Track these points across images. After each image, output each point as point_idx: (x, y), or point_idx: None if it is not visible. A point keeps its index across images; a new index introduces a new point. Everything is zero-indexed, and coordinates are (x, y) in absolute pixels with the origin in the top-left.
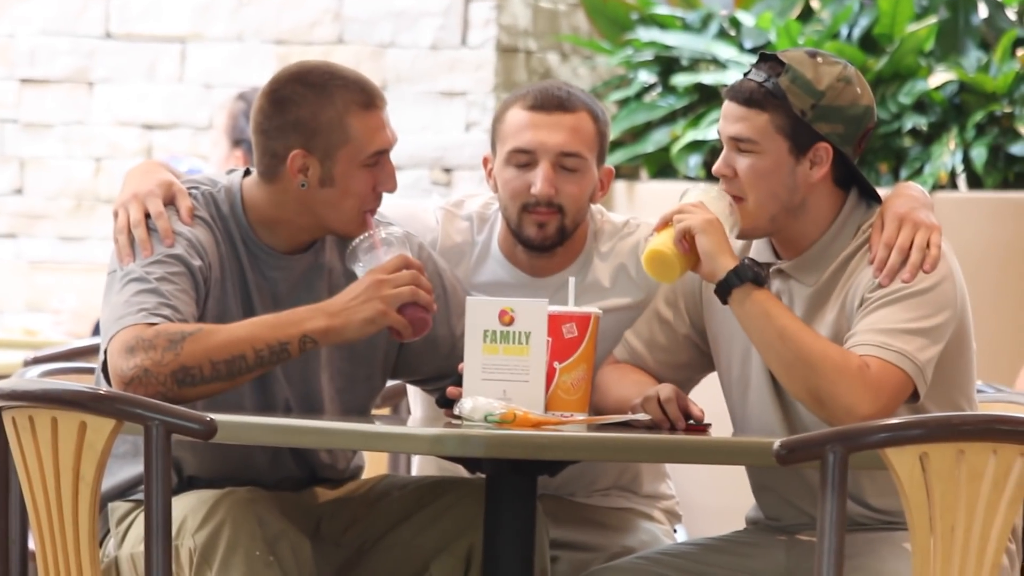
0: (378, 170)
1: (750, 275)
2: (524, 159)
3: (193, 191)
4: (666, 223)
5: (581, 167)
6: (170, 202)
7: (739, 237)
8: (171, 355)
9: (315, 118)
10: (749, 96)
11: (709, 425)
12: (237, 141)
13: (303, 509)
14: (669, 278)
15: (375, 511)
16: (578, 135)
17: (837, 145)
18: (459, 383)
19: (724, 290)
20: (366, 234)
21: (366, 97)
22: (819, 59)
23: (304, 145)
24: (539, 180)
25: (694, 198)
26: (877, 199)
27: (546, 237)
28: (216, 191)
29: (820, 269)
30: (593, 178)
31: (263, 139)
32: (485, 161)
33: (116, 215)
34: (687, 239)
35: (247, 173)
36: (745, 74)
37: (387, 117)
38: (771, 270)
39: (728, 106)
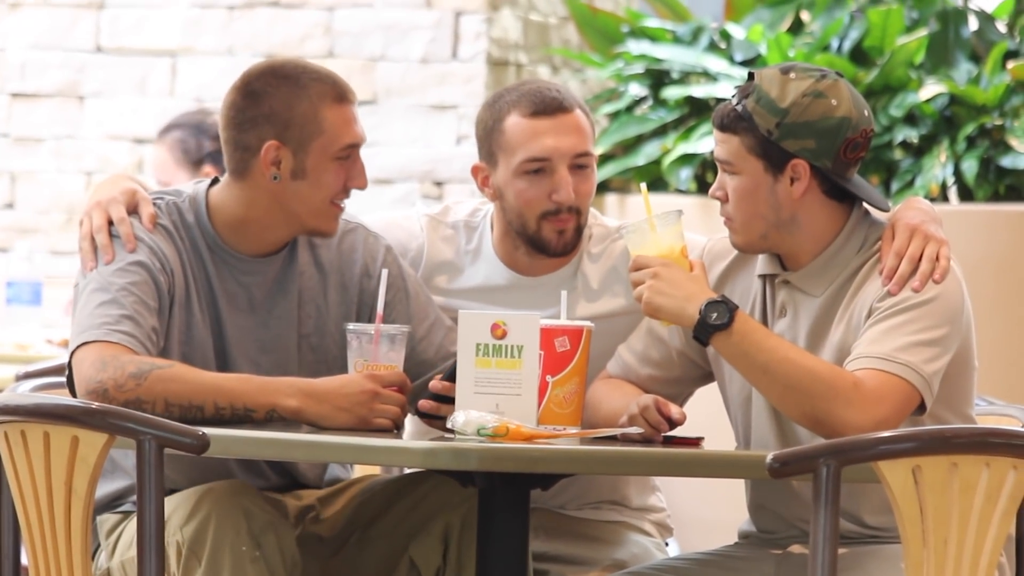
0: (349, 164)
1: (713, 324)
2: (538, 166)
3: (158, 201)
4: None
5: (591, 164)
6: (133, 210)
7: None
8: (132, 383)
9: (289, 109)
10: (721, 122)
11: (701, 439)
12: (198, 161)
13: (288, 507)
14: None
15: (359, 506)
16: (583, 133)
17: (810, 160)
18: (433, 398)
19: (701, 342)
20: (366, 327)
21: (339, 91)
22: (792, 74)
23: (278, 136)
24: (563, 186)
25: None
26: (881, 206)
27: (567, 242)
28: (180, 201)
29: (827, 281)
30: (596, 172)
31: (235, 133)
32: (475, 171)
33: (81, 224)
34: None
35: (214, 183)
36: (732, 95)
37: (357, 114)
38: (777, 281)
39: (714, 130)
